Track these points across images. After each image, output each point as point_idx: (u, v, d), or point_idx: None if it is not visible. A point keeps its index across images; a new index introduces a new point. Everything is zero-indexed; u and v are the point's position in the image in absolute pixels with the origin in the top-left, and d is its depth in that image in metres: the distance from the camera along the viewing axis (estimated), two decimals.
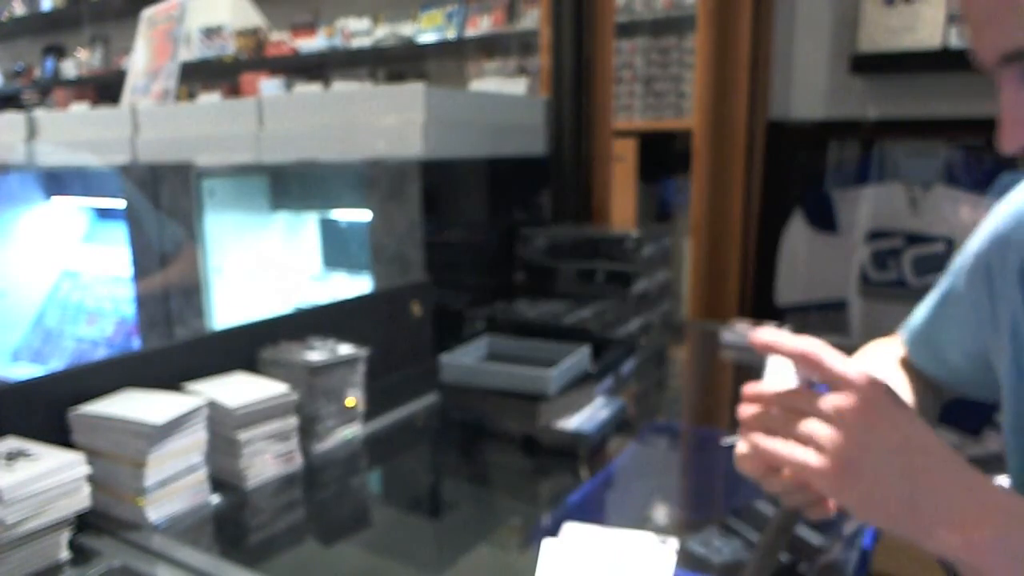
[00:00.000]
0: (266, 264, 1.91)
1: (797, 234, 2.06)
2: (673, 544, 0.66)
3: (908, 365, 0.90)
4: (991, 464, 0.74)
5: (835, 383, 0.56)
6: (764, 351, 0.62)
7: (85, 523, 0.74)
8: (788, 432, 0.55)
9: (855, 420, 0.53)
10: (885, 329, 0.97)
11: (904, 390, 0.84)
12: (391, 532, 0.82)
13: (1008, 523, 0.51)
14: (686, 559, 0.67)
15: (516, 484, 0.95)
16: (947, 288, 0.84)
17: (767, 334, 0.62)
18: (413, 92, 1.32)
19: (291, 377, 0.92)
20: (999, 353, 0.74)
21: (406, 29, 3.68)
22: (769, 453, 0.55)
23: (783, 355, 0.61)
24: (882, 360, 0.90)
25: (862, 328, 1.96)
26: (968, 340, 0.80)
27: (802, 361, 0.59)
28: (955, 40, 1.76)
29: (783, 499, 0.60)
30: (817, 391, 0.57)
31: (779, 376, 0.63)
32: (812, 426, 0.54)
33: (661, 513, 0.83)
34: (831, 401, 0.54)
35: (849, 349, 0.97)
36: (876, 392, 0.55)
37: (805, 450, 0.54)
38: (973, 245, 0.79)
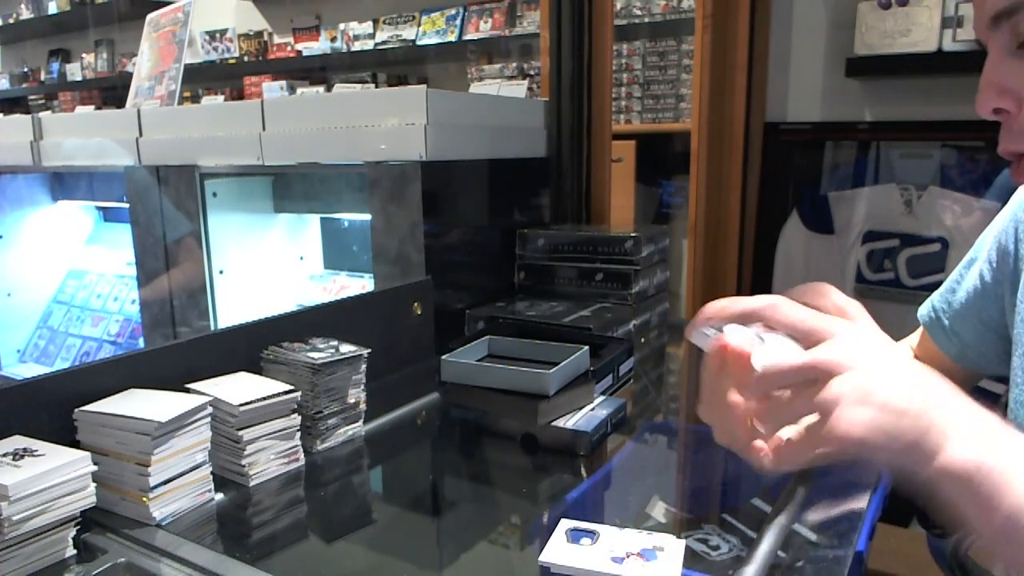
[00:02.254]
0: (269, 265, 1.92)
1: (793, 235, 2.07)
2: (680, 544, 0.67)
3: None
4: None
5: (808, 336, 0.55)
6: (726, 320, 0.60)
7: (90, 520, 0.74)
8: (793, 414, 0.53)
9: (845, 366, 0.52)
10: (879, 328, 0.97)
11: None
12: (392, 529, 0.82)
13: (1015, 441, 0.48)
14: (685, 556, 0.68)
15: (516, 482, 0.96)
16: (972, 255, 0.85)
17: (717, 305, 0.60)
18: (415, 95, 1.32)
19: (294, 376, 0.93)
20: (1014, 312, 0.75)
21: (407, 32, 3.69)
22: (795, 449, 0.53)
23: (746, 316, 0.59)
24: None
25: None
26: (985, 304, 0.82)
27: (770, 313, 0.58)
28: (950, 44, 1.76)
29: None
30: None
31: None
32: (810, 401, 0.52)
33: (660, 510, 0.84)
34: (814, 362, 0.53)
35: None
36: (854, 332, 0.55)
37: (813, 426, 0.52)
38: (1005, 212, 0.81)
